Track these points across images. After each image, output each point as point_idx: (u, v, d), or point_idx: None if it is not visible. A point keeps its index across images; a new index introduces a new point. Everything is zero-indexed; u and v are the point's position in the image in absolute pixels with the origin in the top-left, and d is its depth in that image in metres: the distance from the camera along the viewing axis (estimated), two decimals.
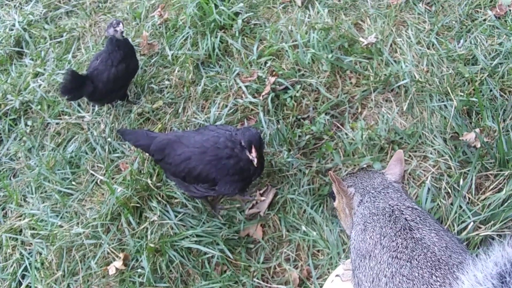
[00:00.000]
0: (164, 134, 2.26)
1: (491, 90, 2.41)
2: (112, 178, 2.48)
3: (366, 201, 1.48)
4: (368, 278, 1.30)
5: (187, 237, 2.19)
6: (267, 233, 2.22)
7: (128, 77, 2.72)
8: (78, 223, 2.37)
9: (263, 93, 2.60)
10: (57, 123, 2.83)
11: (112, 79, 2.59)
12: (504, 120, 2.30)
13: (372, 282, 1.28)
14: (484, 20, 2.70)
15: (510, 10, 2.70)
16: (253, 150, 1.90)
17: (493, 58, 2.53)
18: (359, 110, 2.52)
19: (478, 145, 2.19)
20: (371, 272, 1.30)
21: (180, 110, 2.71)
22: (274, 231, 2.22)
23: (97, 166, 2.59)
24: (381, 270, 1.28)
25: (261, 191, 2.32)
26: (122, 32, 2.53)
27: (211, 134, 2.09)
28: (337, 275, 1.79)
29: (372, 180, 1.55)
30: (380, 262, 1.30)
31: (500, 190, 2.09)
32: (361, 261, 1.33)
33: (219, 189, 2.08)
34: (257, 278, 2.10)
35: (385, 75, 2.54)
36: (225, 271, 2.14)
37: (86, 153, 2.65)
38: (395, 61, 2.62)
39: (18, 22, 3.43)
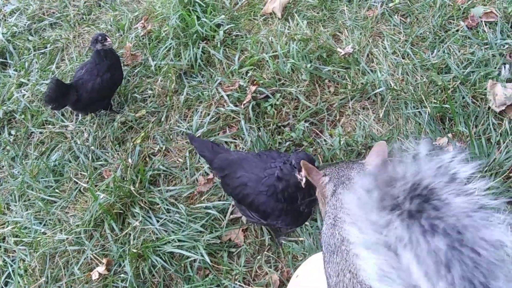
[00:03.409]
0: (228, 152, 2.19)
1: (463, 97, 2.50)
2: (95, 186, 2.51)
3: (339, 193, 1.44)
4: (335, 273, 1.32)
5: (169, 242, 2.23)
6: (249, 237, 2.26)
7: (112, 87, 2.77)
8: (61, 230, 2.39)
9: (244, 102, 2.66)
10: (40, 132, 2.86)
11: (96, 88, 2.64)
12: (476, 126, 2.38)
13: (338, 277, 1.30)
14: (457, 30, 2.81)
15: (481, 21, 2.81)
16: (303, 169, 1.75)
17: (465, 66, 2.62)
18: (337, 117, 2.59)
19: (451, 150, 2.27)
20: (337, 267, 1.32)
21: (163, 119, 2.76)
22: (255, 236, 2.27)
23: (81, 174, 2.62)
24: (346, 266, 1.30)
25: None
26: (110, 44, 2.60)
27: (269, 163, 2.01)
28: (297, 276, 1.82)
29: (350, 171, 1.50)
30: (345, 259, 1.31)
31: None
32: (330, 256, 1.35)
33: (271, 222, 2.02)
34: (239, 281, 2.14)
35: (362, 83, 2.63)
36: (207, 275, 2.18)
37: (70, 161, 2.68)
38: (371, 70, 2.71)
39: (2, 33, 3.47)
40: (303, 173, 1.75)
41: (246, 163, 2.05)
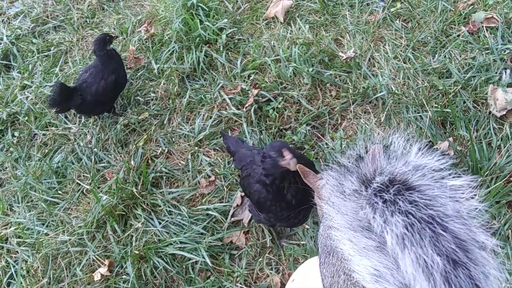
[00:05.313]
0: (247, 148, 2.24)
1: (464, 102, 2.51)
2: (98, 187, 2.52)
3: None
4: (330, 274, 1.33)
5: (171, 243, 2.24)
6: (250, 240, 2.28)
7: (116, 90, 2.78)
8: (64, 231, 2.41)
9: (247, 105, 2.68)
10: (44, 134, 2.88)
11: (101, 91, 2.65)
12: (477, 130, 2.40)
13: (333, 278, 1.31)
14: (458, 35, 2.82)
15: (483, 27, 2.83)
16: (286, 153, 1.67)
17: (466, 71, 2.63)
18: (339, 121, 2.60)
19: (452, 153, 2.28)
20: (333, 268, 1.33)
21: (165, 122, 2.78)
22: (257, 238, 2.28)
23: (83, 175, 2.63)
24: (341, 267, 1.31)
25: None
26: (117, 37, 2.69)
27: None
28: (293, 280, 1.83)
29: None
30: (340, 260, 1.32)
31: (473, 196, 2.17)
32: (326, 257, 1.36)
33: (265, 216, 2.01)
34: (240, 283, 2.15)
35: (364, 88, 2.64)
36: (208, 277, 2.19)
37: (73, 163, 2.69)
38: (373, 75, 2.72)
39: (6, 36, 3.49)
40: (287, 156, 1.67)
41: (258, 157, 2.02)
